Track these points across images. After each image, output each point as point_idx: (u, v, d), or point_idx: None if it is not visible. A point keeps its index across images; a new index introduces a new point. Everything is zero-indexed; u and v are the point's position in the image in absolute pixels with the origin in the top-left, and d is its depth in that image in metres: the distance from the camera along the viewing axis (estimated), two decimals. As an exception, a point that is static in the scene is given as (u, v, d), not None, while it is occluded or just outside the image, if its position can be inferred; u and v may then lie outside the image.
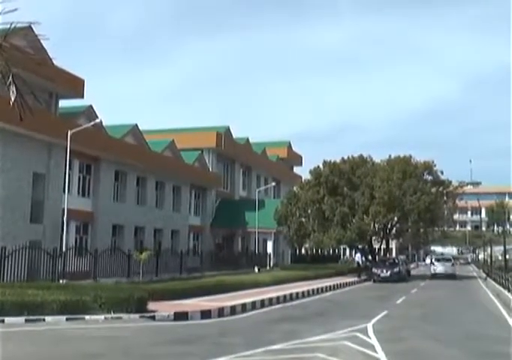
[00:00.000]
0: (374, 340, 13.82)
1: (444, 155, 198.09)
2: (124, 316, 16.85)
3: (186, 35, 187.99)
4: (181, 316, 17.32)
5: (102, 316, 16.66)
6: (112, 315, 16.83)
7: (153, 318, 17.00)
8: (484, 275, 50.89)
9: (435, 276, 49.55)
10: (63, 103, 38.02)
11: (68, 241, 32.71)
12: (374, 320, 17.95)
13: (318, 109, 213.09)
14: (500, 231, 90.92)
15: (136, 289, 19.74)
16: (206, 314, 18.05)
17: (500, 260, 57.80)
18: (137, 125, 44.13)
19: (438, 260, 53.98)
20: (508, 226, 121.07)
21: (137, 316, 16.94)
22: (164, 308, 18.18)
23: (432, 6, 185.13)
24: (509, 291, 26.58)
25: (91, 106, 38.42)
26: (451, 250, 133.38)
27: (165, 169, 46.19)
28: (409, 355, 12.43)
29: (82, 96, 38.00)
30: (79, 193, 37.72)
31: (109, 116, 75.69)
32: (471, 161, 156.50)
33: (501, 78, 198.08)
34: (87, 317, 16.50)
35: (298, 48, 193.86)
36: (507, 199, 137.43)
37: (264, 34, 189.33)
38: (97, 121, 35.07)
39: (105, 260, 31.34)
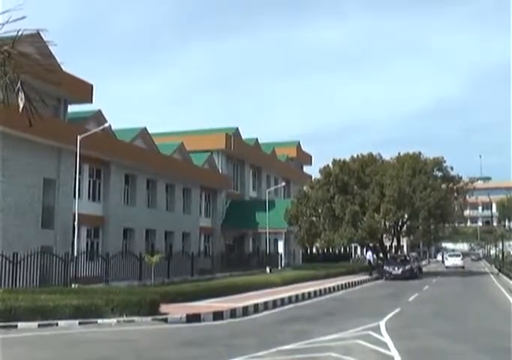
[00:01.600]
0: (387, 338, 13.82)
1: (453, 152, 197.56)
2: (137, 319, 16.90)
3: (192, 37, 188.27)
4: (193, 318, 17.35)
5: (114, 320, 16.72)
6: (125, 318, 16.88)
7: (165, 320, 17.04)
8: (496, 271, 50.83)
9: (448, 268, 62.01)
10: (72, 108, 38.23)
11: (80, 245, 32.94)
12: (386, 318, 17.94)
13: (326, 108, 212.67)
14: (511, 226, 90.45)
15: (148, 292, 19.83)
16: (218, 315, 18.06)
17: (511, 255, 57.55)
18: (145, 128, 44.28)
19: (450, 256, 68.97)
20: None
21: (149, 318, 16.98)
22: (176, 310, 18.22)
23: (434, 4, 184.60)
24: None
25: (99, 111, 38.62)
26: (462, 247, 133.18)
27: (175, 171, 46.30)
28: (422, 352, 12.41)
29: (90, 101, 38.18)
30: (89, 197, 37.89)
31: (118, 120, 76.20)
32: (480, 157, 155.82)
33: (507, 74, 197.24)
34: (100, 321, 16.56)
35: (305, 47, 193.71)
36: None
37: (270, 34, 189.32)
38: (106, 125, 35.28)
39: (116, 264, 31.51)
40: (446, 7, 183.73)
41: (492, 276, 46.53)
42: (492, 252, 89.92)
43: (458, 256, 67.25)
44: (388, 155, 52.90)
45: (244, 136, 59.55)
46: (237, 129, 58.23)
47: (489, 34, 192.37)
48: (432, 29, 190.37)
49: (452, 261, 64.19)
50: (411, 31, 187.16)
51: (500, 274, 44.45)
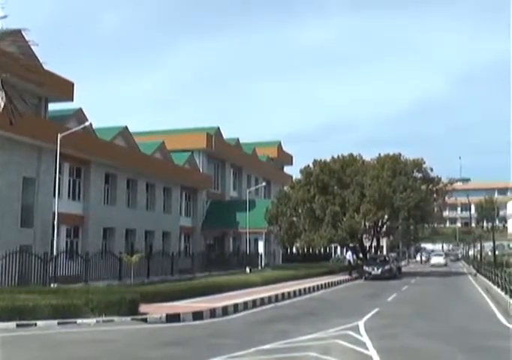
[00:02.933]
0: (365, 338, 13.93)
1: (433, 152, 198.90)
2: (116, 319, 16.87)
3: (175, 37, 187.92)
4: (173, 317, 17.34)
5: (94, 320, 16.67)
6: (104, 318, 16.85)
7: (145, 320, 17.02)
8: (474, 271, 51.23)
9: (433, 265, 72.42)
10: (52, 107, 37.99)
11: (59, 244, 32.71)
12: (365, 318, 18.06)
13: (308, 108, 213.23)
14: (489, 227, 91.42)
15: (127, 291, 19.76)
16: (198, 315, 18.08)
17: (490, 256, 58.14)
18: (126, 127, 44.13)
19: (435, 255, 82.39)
20: (497, 222, 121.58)
21: (128, 318, 16.96)
22: (156, 310, 18.20)
23: (420, 3, 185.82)
24: (498, 286, 26.77)
25: (80, 109, 38.43)
26: (441, 247, 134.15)
27: (155, 170, 46.20)
28: (400, 351, 12.53)
29: (71, 99, 37.96)
30: (69, 196, 37.71)
31: (99, 119, 75.78)
32: (460, 158, 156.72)
33: (491, 74, 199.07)
34: (79, 321, 16.50)
35: (287, 47, 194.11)
36: (496, 195, 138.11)
37: (253, 34, 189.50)
38: (87, 124, 35.12)
39: (96, 263, 31.35)
40: (432, 6, 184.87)
41: (470, 276, 46.91)
42: (471, 252, 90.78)
43: (441, 255, 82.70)
44: (370, 155, 53.21)
45: (225, 135, 59.60)
46: (218, 128, 58.22)
47: (474, 34, 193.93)
48: (417, 29, 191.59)
49: (436, 260, 77.27)
50: (397, 31, 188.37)
51: (478, 274, 44.81)
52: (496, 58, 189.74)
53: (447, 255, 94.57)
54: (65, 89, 36.90)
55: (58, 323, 16.17)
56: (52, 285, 25.49)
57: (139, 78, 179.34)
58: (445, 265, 74.31)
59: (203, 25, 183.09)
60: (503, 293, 23.89)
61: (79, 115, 37.96)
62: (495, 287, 28.10)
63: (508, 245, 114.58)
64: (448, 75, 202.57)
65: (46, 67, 27.98)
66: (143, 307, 18.02)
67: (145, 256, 34.98)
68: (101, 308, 17.14)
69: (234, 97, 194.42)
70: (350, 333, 14.69)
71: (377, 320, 17.78)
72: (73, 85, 37.53)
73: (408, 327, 16.47)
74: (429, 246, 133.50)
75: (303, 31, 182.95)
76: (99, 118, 74.85)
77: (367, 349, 12.40)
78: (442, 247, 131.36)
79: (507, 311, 20.01)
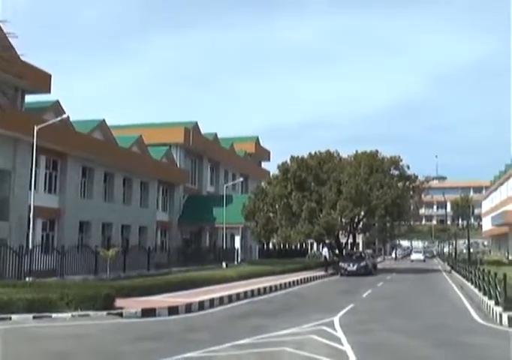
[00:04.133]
0: (340, 333, 14.03)
1: (410, 151, 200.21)
2: (92, 313, 16.82)
3: (155, 31, 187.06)
4: (148, 312, 17.34)
5: (69, 314, 16.61)
6: (80, 312, 16.78)
7: (121, 315, 16.99)
8: (449, 268, 51.73)
9: (412, 261, 79.65)
10: (29, 99, 37.68)
11: (34, 238, 32.50)
12: (340, 314, 18.18)
13: (286, 105, 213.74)
14: (464, 225, 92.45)
15: (103, 286, 19.72)
16: (173, 310, 18.09)
17: (464, 253, 58.79)
18: (104, 121, 43.89)
19: (414, 252, 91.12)
20: (472, 221, 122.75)
21: (104, 313, 16.92)
22: (132, 305, 18.18)
23: (399, 2, 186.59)
24: (472, 283, 27.07)
25: (57, 102, 38.14)
26: (417, 244, 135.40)
27: (133, 164, 46.01)
28: (374, 346, 12.64)
29: (48, 91, 37.64)
30: (45, 189, 37.43)
31: (76, 111, 75.24)
32: (436, 157, 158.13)
33: (469, 74, 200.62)
34: (54, 315, 16.44)
35: (266, 44, 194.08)
36: (471, 193, 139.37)
37: (233, 30, 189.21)
38: (64, 116, 34.85)
39: (72, 257, 31.19)
40: (409, 7, 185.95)
41: (444, 273, 47.33)
42: (446, 250, 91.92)
43: (420, 252, 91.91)
44: (347, 152, 53.35)
45: (203, 130, 59.44)
46: (196, 123, 58.06)
47: (453, 35, 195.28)
48: (396, 29, 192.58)
49: (416, 256, 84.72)
50: (376, 31, 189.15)
51: (452, 271, 45.26)
52: (474, 58, 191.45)
53: (424, 252, 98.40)
54: (43, 81, 36.58)
55: (34, 317, 16.10)
56: (27, 279, 25.30)
57: (117, 71, 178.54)
58: (424, 260, 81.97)
59: (182, 20, 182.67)
60: (476, 290, 24.19)
61: (56, 108, 37.66)
62: (468, 284, 28.42)
63: (482, 243, 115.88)
64: (426, 75, 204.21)
65: (23, 58, 27.72)
66: (119, 302, 17.97)
67: (121, 250, 34.86)
68: (77, 302, 17.08)
69: (213, 93, 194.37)
70: (326, 328, 14.79)
71: (352, 316, 17.90)
72: (50, 77, 37.21)
73: (382, 323, 16.61)
74: (405, 243, 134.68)
75: (283, 28, 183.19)
76: (76, 111, 74.29)
77: (341, 344, 12.51)
78: (424, 246, 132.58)
79: (481, 308, 20.26)
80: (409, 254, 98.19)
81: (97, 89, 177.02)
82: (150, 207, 49.77)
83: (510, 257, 66.05)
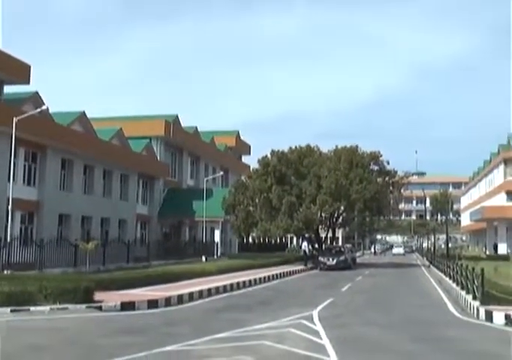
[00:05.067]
0: (319, 327, 14.10)
1: (390, 146, 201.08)
2: (71, 306, 16.75)
3: (136, 22, 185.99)
4: (128, 306, 17.30)
5: (48, 307, 16.53)
6: (58, 306, 16.71)
7: (100, 308, 16.94)
8: (427, 263, 52.10)
9: (394, 255, 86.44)
10: (8, 90, 37.33)
11: (13, 230, 32.25)
12: (319, 307, 18.26)
13: (267, 98, 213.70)
14: (443, 220, 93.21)
15: (82, 279, 19.62)
16: (153, 304, 18.08)
17: (443, 248, 59.28)
18: (84, 113, 43.63)
19: (396, 247, 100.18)
20: (451, 216, 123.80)
21: (83, 306, 16.85)
22: (111, 298, 18.12)
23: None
24: (450, 278, 27.30)
25: (37, 93, 37.85)
26: (396, 239, 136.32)
27: (113, 157, 45.80)
28: (352, 340, 12.73)
29: (28, 82, 37.36)
30: (24, 181, 37.19)
31: (56, 103, 74.62)
32: (416, 152, 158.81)
33: (448, 69, 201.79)
34: (32, 308, 16.34)
35: (250, 37, 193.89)
36: (450, 189, 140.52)
37: (215, 22, 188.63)
38: (44, 107, 34.57)
39: (51, 250, 30.95)
40: (393, 2, 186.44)
41: (423, 268, 47.68)
42: (425, 245, 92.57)
43: (400, 247, 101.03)
44: (327, 147, 53.56)
45: (184, 124, 59.27)
46: (177, 116, 57.89)
47: (433, 30, 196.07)
48: (377, 23, 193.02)
49: (397, 250, 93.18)
50: (357, 25, 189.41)
51: (431, 266, 45.60)
52: (453, 53, 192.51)
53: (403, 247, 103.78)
54: (22, 72, 36.31)
55: (11, 310, 16.00)
56: (5, 272, 25.11)
57: (97, 63, 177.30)
58: (404, 254, 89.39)
59: (163, 10, 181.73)
60: (454, 285, 24.41)
61: (35, 99, 37.37)
62: (447, 279, 28.66)
63: (461, 238, 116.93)
64: (406, 69, 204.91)
65: (1, 48, 27.50)
66: (98, 295, 17.91)
67: (101, 243, 34.73)
68: (55, 296, 17.00)
69: (194, 86, 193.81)
70: (305, 322, 14.86)
71: (331, 310, 17.99)
72: (29, 67, 36.95)
73: (360, 316, 16.72)
74: (384, 238, 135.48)
75: (263, 20, 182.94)
76: (56, 103, 73.78)
77: (320, 338, 12.57)
78: (403, 240, 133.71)
79: (458, 302, 20.46)
80: (388, 249, 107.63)
81: (78, 81, 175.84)
82: (130, 200, 49.60)
83: (487, 252, 66.82)
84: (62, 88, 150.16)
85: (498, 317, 15.33)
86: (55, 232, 37.82)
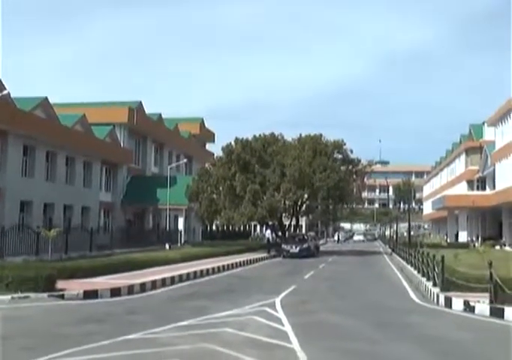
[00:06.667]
0: (281, 314, 14.24)
1: (355, 135, 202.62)
2: (32, 295, 16.61)
3: (99, 8, 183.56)
4: (90, 294, 17.23)
5: (9, 296, 16.36)
6: (20, 294, 16.55)
7: (62, 297, 16.84)
8: (390, 250, 52.76)
9: (355, 242, 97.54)
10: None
11: (-27, 218, 31.78)
12: (282, 295, 18.39)
13: (232, 86, 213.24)
14: (406, 209, 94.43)
15: (44, 267, 19.43)
16: (115, 292, 18.03)
17: (405, 236, 59.99)
18: (46, 98, 43.01)
19: (357, 234, 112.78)
20: (414, 204, 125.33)
21: (45, 295, 16.73)
22: (74, 287, 18.02)
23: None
24: (412, 265, 27.71)
25: (-3, 78, 37.20)
26: (359, 227, 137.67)
27: (76, 144, 45.28)
28: (313, 326, 12.91)
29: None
30: (-16, 168, 36.59)
31: (18, 88, 73.58)
32: (380, 141, 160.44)
33: (412, 58, 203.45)
34: (-7, 297, 16.20)
35: (213, 24, 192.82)
36: (413, 178, 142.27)
37: (179, 9, 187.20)
38: (5, 92, 34.04)
39: (12, 238, 30.52)
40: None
41: (385, 256, 48.25)
42: (387, 233, 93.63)
43: (361, 234, 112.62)
44: (291, 135, 53.74)
45: (147, 110, 58.89)
46: (141, 103, 57.47)
47: (399, 20, 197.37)
48: (341, 12, 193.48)
49: (357, 237, 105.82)
50: (321, 14, 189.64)
51: (393, 254, 46.18)
52: (418, 44, 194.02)
53: (364, 235, 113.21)
54: (-18, 57, 35.70)
55: (-29, 299, 15.83)
56: (-35, 259, 24.80)
57: (60, 48, 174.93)
58: (363, 241, 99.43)
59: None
60: (416, 272, 24.81)
61: (-4, 84, 36.75)
62: (408, 266, 29.09)
63: (423, 226, 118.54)
64: (370, 59, 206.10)
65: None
66: (61, 284, 17.80)
67: (63, 231, 34.38)
68: (17, 284, 16.84)
69: (158, 73, 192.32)
70: (267, 309, 14.98)
71: (293, 297, 18.14)
72: (-10, 53, 36.35)
73: (322, 303, 16.90)
74: (347, 226, 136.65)
75: (232, 8, 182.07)
76: (19, 89, 72.70)
77: (282, 324, 12.71)
78: (366, 228, 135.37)
79: (419, 289, 20.81)
80: (351, 237, 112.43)
81: (40, 66, 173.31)
82: (93, 187, 49.17)
83: (448, 240, 67.87)
84: (25, 74, 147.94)
85: (457, 303, 15.66)
86: (16, 219, 37.28)
